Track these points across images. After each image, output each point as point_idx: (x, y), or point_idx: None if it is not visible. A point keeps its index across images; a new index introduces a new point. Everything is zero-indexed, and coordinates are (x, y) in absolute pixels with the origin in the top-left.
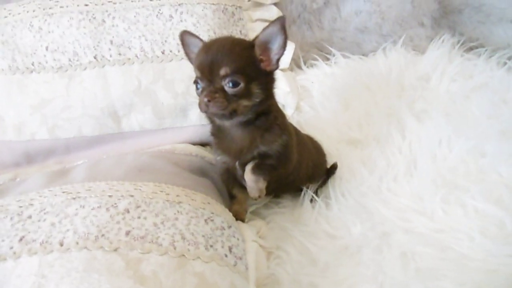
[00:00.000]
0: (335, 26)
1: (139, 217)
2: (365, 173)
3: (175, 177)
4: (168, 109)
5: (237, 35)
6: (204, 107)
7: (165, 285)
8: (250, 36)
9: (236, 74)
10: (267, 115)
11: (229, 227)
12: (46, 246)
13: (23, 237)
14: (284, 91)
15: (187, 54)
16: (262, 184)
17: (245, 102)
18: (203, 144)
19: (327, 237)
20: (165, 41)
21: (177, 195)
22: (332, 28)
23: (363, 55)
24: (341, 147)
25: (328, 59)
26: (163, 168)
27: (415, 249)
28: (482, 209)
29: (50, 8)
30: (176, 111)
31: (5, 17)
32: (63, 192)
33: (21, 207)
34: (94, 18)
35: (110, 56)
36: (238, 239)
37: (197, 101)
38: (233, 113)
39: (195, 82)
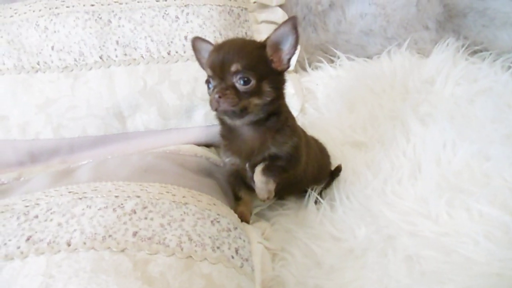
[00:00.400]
0: (340, 29)
1: (146, 218)
2: (369, 176)
3: (180, 178)
4: (173, 109)
5: (242, 36)
6: (215, 104)
7: (173, 287)
8: (255, 37)
9: (248, 70)
10: (278, 116)
11: (235, 228)
12: (53, 246)
13: (30, 236)
14: (288, 93)
15: (198, 59)
16: (272, 186)
17: (256, 100)
18: (207, 145)
19: (332, 240)
20: (171, 42)
21: (183, 196)
22: (337, 30)
23: (367, 57)
24: (345, 149)
25: (332, 61)
26: (169, 169)
27: (420, 253)
28: (487, 213)
29: (56, 8)
30: (181, 112)
31: (11, 16)
32: (69, 192)
33: (27, 206)
34: (100, 18)
35: (116, 56)
36: (244, 240)
37: (203, 102)
38: (243, 111)
39: (207, 81)
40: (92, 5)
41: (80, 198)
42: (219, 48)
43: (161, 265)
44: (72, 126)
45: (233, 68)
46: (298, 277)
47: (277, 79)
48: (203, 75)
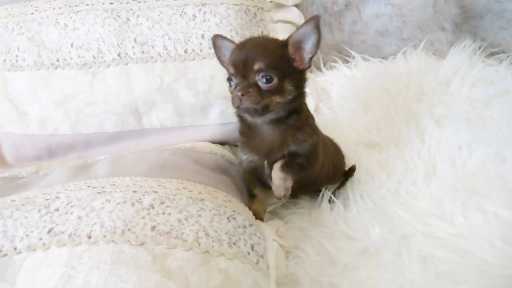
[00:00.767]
0: (355, 29)
1: (163, 213)
2: (383, 176)
3: (196, 175)
4: (189, 107)
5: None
6: (237, 102)
7: (191, 281)
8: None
9: (270, 69)
10: (299, 114)
11: (250, 225)
12: (74, 238)
13: (52, 229)
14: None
15: (219, 57)
16: (290, 183)
17: (277, 99)
18: (222, 143)
19: (346, 239)
20: (188, 40)
21: (200, 193)
22: (352, 30)
23: (383, 58)
24: (359, 149)
25: (347, 61)
26: (185, 165)
27: (435, 253)
28: (503, 216)
29: (76, 6)
30: (197, 110)
31: (32, 13)
32: (88, 186)
33: (47, 199)
34: (119, 16)
35: (134, 54)
36: (259, 237)
37: (218, 100)
38: (265, 109)
39: (229, 79)
40: (111, 3)
41: (99, 193)
42: (242, 46)
43: (179, 259)
44: (89, 122)
45: (256, 66)
46: (312, 275)
47: (298, 77)
48: (219, 73)
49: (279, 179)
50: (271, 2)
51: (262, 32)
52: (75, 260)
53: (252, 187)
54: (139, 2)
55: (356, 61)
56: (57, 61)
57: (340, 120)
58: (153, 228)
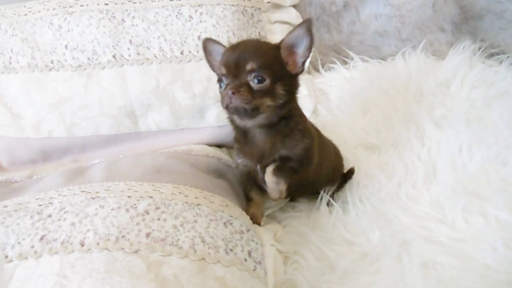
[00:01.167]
0: (354, 29)
1: (158, 219)
2: (383, 179)
3: (193, 179)
4: (185, 109)
5: (256, 36)
6: (227, 100)
7: None
8: (269, 38)
9: (263, 69)
10: (289, 120)
11: (248, 230)
12: (67, 246)
13: (44, 236)
14: (301, 94)
15: (209, 61)
16: (283, 186)
17: (268, 102)
18: (219, 146)
19: (345, 244)
20: (184, 41)
21: (196, 197)
22: (350, 31)
23: (381, 59)
24: (358, 152)
25: (346, 62)
26: (181, 169)
27: (436, 259)
28: (504, 219)
29: (70, 7)
30: (193, 112)
31: (25, 14)
32: (82, 192)
33: (40, 205)
34: (114, 17)
35: (129, 55)
36: (256, 243)
37: (215, 102)
38: (255, 111)
39: (219, 80)
40: (106, 4)
41: (93, 198)
42: (234, 47)
43: (175, 267)
44: (84, 125)
45: (249, 66)
46: (311, 281)
47: (291, 82)
48: (215, 75)
49: (272, 182)
50: (268, 2)
51: (259, 33)
52: (67, 269)
53: (248, 190)
54: (134, 3)
55: (354, 62)
56: (51, 63)
57: (338, 122)
58: (147, 235)
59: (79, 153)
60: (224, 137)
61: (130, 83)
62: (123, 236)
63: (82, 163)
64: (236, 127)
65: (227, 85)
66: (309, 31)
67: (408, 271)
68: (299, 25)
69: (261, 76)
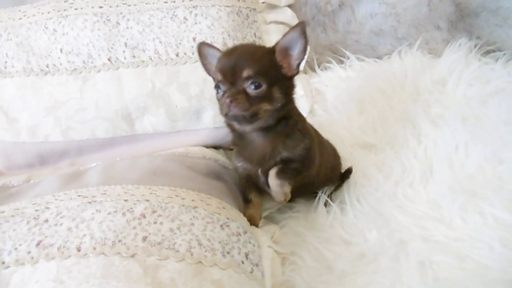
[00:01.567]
0: (349, 29)
1: (155, 222)
2: (380, 178)
3: (189, 181)
4: (181, 111)
5: (251, 37)
6: (226, 109)
7: None
8: (264, 38)
9: (259, 76)
10: (288, 121)
11: (245, 232)
12: (63, 251)
13: (41, 241)
14: (297, 94)
15: (204, 65)
16: (287, 188)
17: (266, 106)
18: (216, 147)
19: (342, 244)
20: (179, 43)
21: (193, 200)
22: (346, 30)
23: (377, 58)
24: (355, 151)
25: (342, 62)
26: (178, 171)
27: (433, 258)
28: (501, 218)
29: (64, 10)
30: (189, 114)
31: (20, 18)
32: (79, 196)
33: (37, 210)
34: (109, 20)
35: (124, 58)
36: (254, 245)
37: (211, 103)
38: (253, 116)
39: (216, 86)
40: (101, 7)
41: (90, 202)
42: (229, 53)
43: (171, 270)
44: (80, 129)
45: (245, 73)
46: (309, 282)
47: (287, 84)
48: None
49: (276, 185)
50: (263, 3)
51: (255, 34)
52: (64, 274)
53: (247, 192)
54: (129, 5)
55: (350, 62)
56: (47, 67)
57: (335, 121)
58: (144, 238)
59: (76, 156)
60: (221, 139)
61: (126, 86)
62: (119, 241)
63: (79, 166)
64: (234, 132)
65: (224, 92)
66: (303, 34)
67: (405, 271)
68: (293, 28)
69: (258, 82)
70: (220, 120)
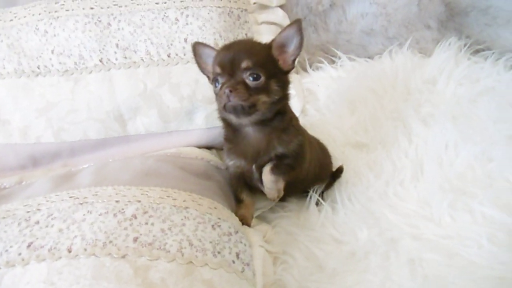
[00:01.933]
0: (340, 29)
1: (146, 223)
2: (371, 177)
3: (181, 182)
4: (173, 112)
5: (242, 38)
6: (225, 99)
7: None
8: (256, 39)
9: (258, 67)
10: (283, 116)
11: (236, 232)
12: (54, 253)
13: (31, 243)
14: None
15: (199, 64)
16: (281, 184)
17: (264, 98)
18: (208, 147)
19: (333, 242)
20: (171, 44)
21: (184, 200)
22: (337, 30)
23: (369, 57)
24: (346, 150)
25: (333, 61)
26: (170, 172)
27: (423, 256)
28: (490, 215)
29: (55, 12)
30: (181, 115)
31: (11, 20)
32: (70, 197)
33: (28, 212)
34: (100, 21)
35: (116, 59)
36: (245, 244)
37: (203, 104)
38: (252, 108)
39: (214, 80)
40: (92, 8)
41: (81, 203)
42: (228, 47)
43: (162, 271)
44: (72, 130)
45: (244, 64)
46: (300, 281)
47: (283, 78)
48: (203, 77)
49: (270, 181)
50: (254, 3)
51: (246, 34)
52: (54, 276)
53: (239, 192)
54: (120, 6)
55: (342, 61)
56: (38, 68)
57: (326, 121)
58: (135, 239)
59: (68, 158)
60: (213, 139)
61: (118, 87)
62: (110, 241)
63: (71, 168)
64: (228, 127)
65: (223, 84)
66: (300, 31)
67: (395, 269)
68: (289, 25)
69: (256, 74)
70: (213, 121)
